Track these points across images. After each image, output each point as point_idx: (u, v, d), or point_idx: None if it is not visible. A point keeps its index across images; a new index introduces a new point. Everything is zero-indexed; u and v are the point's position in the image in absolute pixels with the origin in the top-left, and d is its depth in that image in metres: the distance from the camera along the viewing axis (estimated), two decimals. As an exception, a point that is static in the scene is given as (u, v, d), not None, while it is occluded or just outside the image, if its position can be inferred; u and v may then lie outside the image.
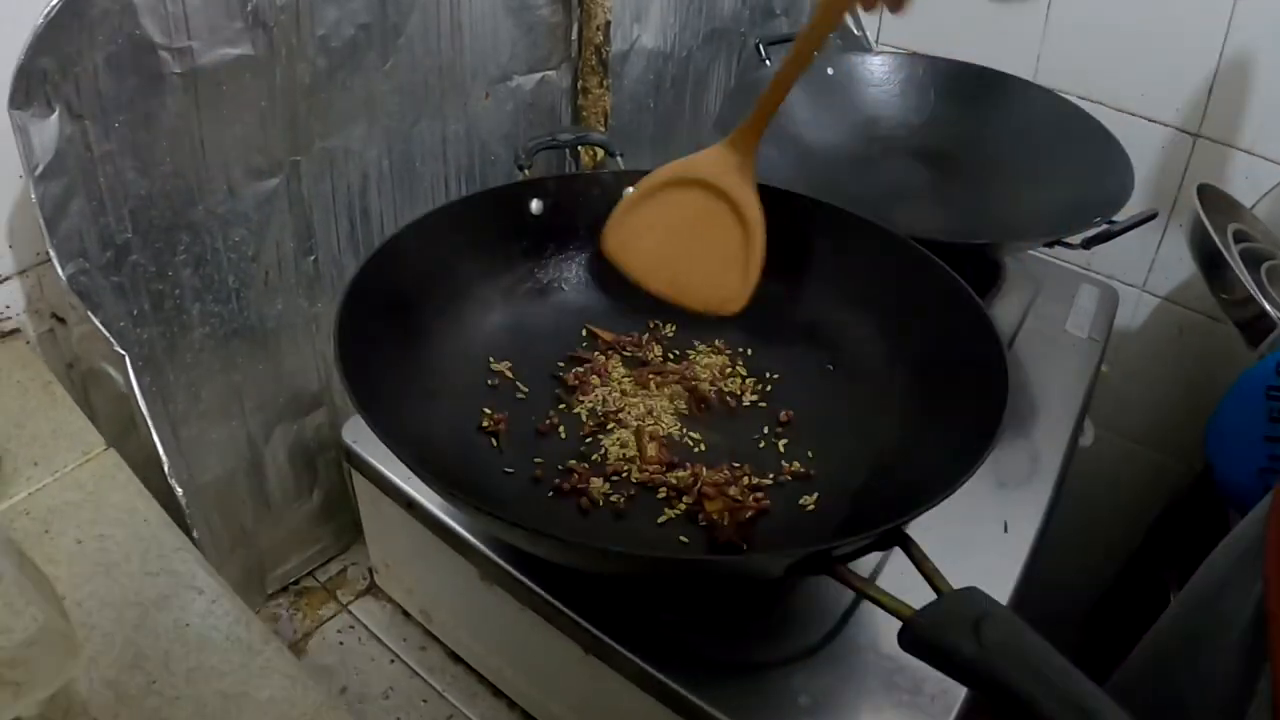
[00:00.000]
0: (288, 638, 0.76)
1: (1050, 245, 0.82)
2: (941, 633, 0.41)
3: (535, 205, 0.72)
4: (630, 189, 0.68)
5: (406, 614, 0.76)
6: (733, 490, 0.61)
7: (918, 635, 0.42)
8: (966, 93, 1.02)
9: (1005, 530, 0.67)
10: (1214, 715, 0.58)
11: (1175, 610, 0.69)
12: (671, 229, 0.66)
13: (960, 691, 0.55)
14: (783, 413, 0.67)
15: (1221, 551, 0.66)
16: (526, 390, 0.68)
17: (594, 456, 0.63)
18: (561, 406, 0.67)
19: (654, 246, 0.66)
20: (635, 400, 0.67)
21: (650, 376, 0.68)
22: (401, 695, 0.71)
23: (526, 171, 0.74)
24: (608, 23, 0.84)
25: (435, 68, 0.74)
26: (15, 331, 0.61)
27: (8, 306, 0.61)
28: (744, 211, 0.65)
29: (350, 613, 0.78)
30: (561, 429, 0.65)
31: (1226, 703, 0.57)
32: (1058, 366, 0.85)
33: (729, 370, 0.70)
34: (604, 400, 0.67)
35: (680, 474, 0.62)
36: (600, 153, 0.87)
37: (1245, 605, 0.58)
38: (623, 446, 0.64)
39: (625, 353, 0.71)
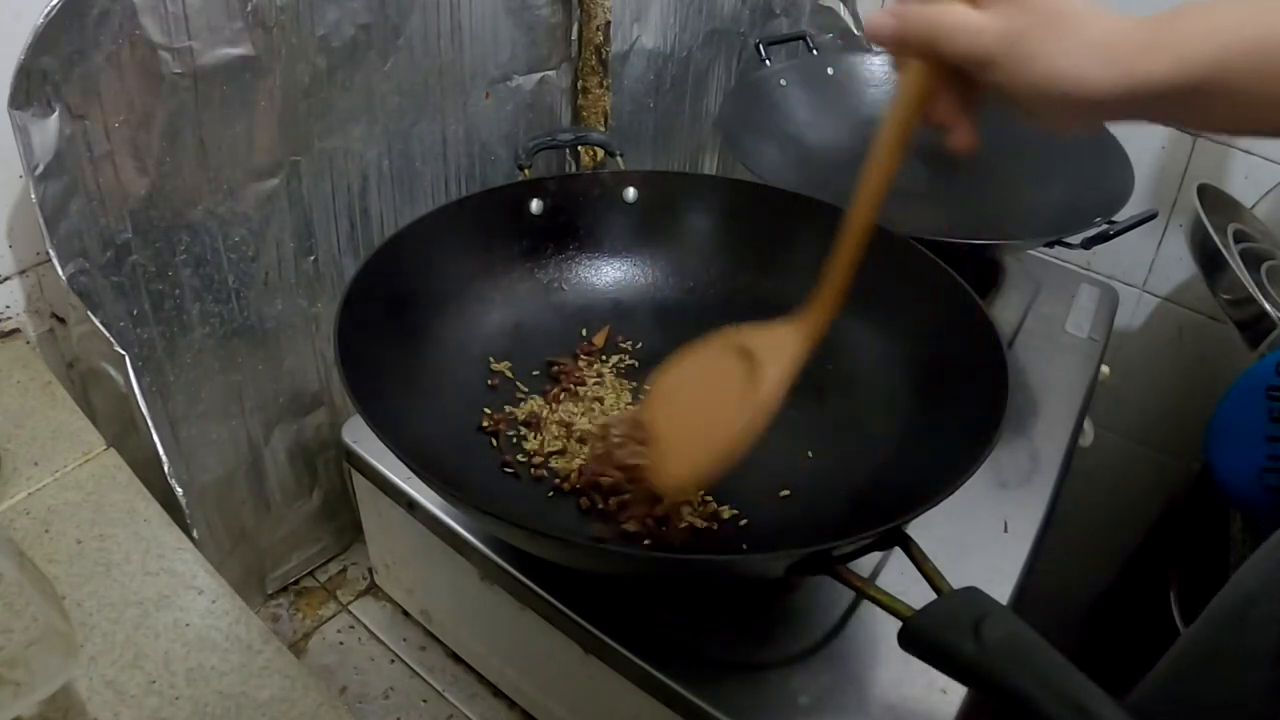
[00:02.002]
0: (288, 638, 0.76)
1: (1050, 245, 0.82)
2: (941, 633, 0.41)
3: (535, 205, 0.72)
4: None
5: (406, 614, 0.76)
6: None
7: (918, 635, 0.42)
8: (966, 93, 1.02)
9: (1005, 530, 0.67)
10: None
11: (1200, 628, 0.68)
12: (696, 382, 0.57)
13: (960, 691, 0.55)
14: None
15: (1249, 569, 0.66)
16: (526, 390, 0.68)
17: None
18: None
19: (669, 391, 0.58)
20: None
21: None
22: (401, 695, 0.71)
23: (526, 171, 0.74)
24: (608, 23, 0.84)
25: (435, 68, 0.74)
26: (15, 331, 0.61)
27: (8, 306, 0.61)
28: (766, 394, 0.53)
29: (350, 613, 0.78)
30: (561, 429, 0.65)
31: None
32: (1058, 366, 0.85)
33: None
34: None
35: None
36: (600, 153, 0.87)
37: (1274, 621, 0.57)
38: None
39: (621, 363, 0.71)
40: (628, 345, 0.72)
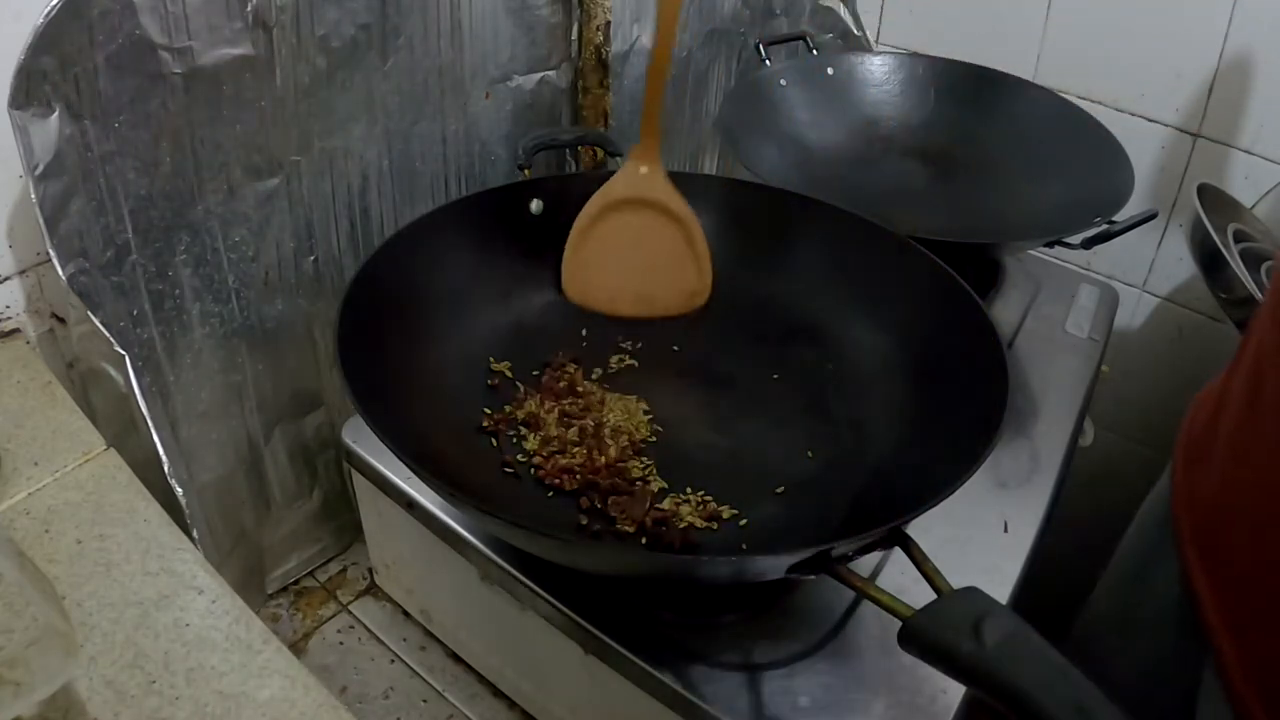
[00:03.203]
0: (288, 638, 0.76)
1: (1050, 245, 0.82)
2: (941, 632, 0.41)
3: (535, 205, 0.72)
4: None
5: (406, 614, 0.76)
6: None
7: (918, 635, 0.42)
8: (966, 93, 1.02)
9: (1005, 530, 0.67)
10: (1157, 699, 0.57)
11: (1100, 593, 0.69)
12: (618, 254, 0.69)
13: (960, 691, 0.55)
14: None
15: (1136, 530, 0.66)
16: (526, 390, 0.67)
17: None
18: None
19: (609, 277, 0.69)
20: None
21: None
22: (401, 695, 0.71)
23: (526, 171, 0.74)
24: (608, 23, 0.84)
25: (435, 68, 0.74)
26: (15, 331, 0.62)
27: (8, 306, 0.61)
28: (673, 210, 0.67)
29: (350, 613, 0.78)
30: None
31: (1169, 686, 0.56)
32: (1058, 366, 0.85)
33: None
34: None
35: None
36: (600, 153, 0.87)
37: (1170, 581, 0.58)
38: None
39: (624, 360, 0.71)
40: (627, 345, 0.72)
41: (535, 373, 0.69)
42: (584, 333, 0.73)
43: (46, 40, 0.51)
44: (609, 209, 0.68)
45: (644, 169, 0.67)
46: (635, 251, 0.69)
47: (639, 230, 0.68)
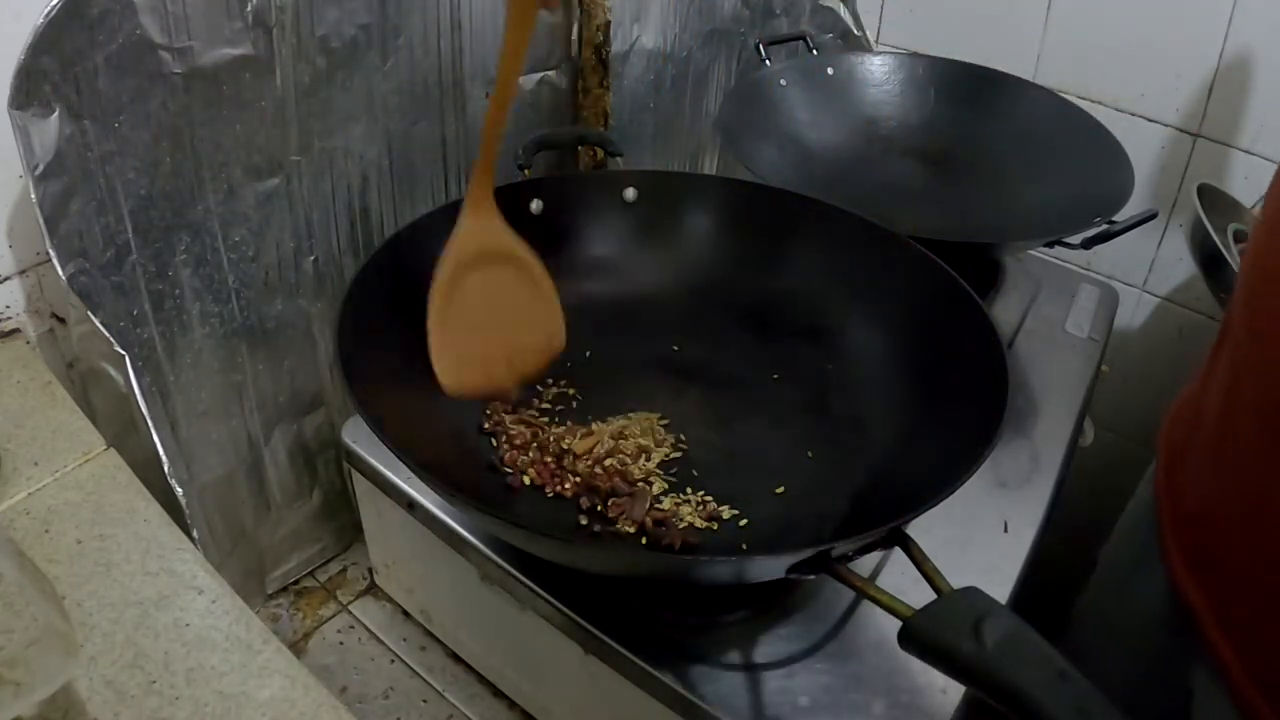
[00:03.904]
0: (288, 638, 0.76)
1: (1050, 245, 0.82)
2: (941, 632, 0.41)
3: (535, 205, 0.72)
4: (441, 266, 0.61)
5: (406, 614, 0.76)
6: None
7: (918, 635, 0.42)
8: (966, 93, 1.02)
9: (1005, 530, 0.67)
10: (1151, 697, 0.57)
11: (1089, 594, 0.68)
12: (479, 321, 0.61)
13: (960, 691, 0.55)
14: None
15: (1122, 532, 0.66)
16: (527, 390, 0.67)
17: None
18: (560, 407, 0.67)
19: (477, 349, 0.61)
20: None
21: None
22: (401, 695, 0.71)
23: (526, 172, 0.74)
24: (608, 23, 0.84)
25: (435, 68, 0.74)
26: (15, 331, 0.62)
27: (8, 306, 0.61)
28: (518, 254, 0.62)
29: (350, 613, 0.78)
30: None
31: (1163, 682, 0.56)
32: (1058, 366, 0.85)
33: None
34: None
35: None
36: (600, 153, 0.87)
37: (1158, 582, 0.58)
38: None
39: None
40: (629, 347, 0.72)
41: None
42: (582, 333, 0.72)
43: (46, 40, 0.51)
44: (459, 275, 0.61)
45: (483, 219, 0.61)
46: (493, 311, 0.62)
47: (491, 287, 0.61)
